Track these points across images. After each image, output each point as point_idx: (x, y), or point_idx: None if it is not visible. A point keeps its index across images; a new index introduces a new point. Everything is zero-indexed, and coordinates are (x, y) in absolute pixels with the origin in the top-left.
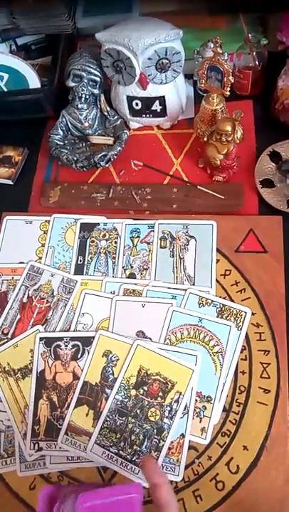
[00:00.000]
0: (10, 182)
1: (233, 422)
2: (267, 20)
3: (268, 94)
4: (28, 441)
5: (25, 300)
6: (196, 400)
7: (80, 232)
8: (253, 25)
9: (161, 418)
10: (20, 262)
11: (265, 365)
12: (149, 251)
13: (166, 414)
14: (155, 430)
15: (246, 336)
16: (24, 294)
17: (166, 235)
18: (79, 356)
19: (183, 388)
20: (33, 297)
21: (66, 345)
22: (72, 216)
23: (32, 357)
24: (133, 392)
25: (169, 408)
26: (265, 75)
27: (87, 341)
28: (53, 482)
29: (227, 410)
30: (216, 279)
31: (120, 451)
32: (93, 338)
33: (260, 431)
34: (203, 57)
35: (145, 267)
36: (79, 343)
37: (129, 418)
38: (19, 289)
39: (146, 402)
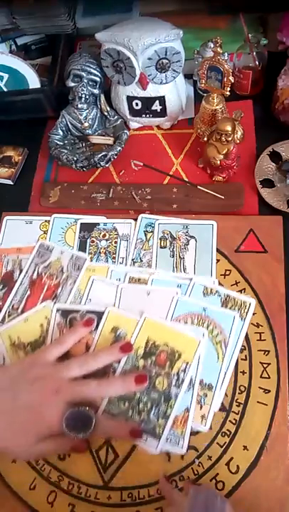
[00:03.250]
0: (10, 182)
1: (233, 422)
2: (267, 20)
3: (268, 94)
4: None
5: (35, 277)
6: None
7: (80, 232)
8: (253, 25)
9: (169, 387)
10: None
11: (265, 365)
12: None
13: (174, 382)
14: (162, 398)
15: (246, 336)
16: (34, 270)
17: (166, 235)
18: (93, 329)
19: (190, 358)
20: (43, 274)
21: (82, 318)
22: (72, 216)
23: (42, 331)
24: (141, 362)
25: (176, 377)
26: (265, 75)
27: (102, 315)
28: (53, 482)
29: (227, 410)
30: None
31: (128, 420)
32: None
33: (260, 431)
34: (203, 57)
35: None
36: (94, 317)
37: None
38: (29, 266)
39: (154, 372)
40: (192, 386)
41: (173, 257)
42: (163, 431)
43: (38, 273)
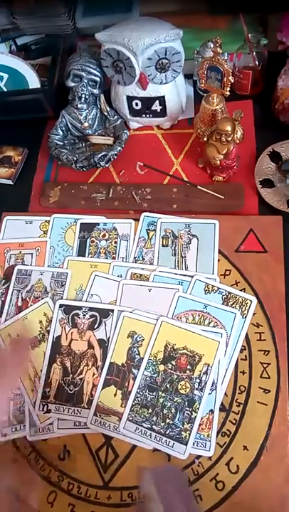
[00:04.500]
0: (10, 182)
1: (233, 422)
2: (267, 20)
3: (268, 94)
4: (38, 402)
5: (20, 304)
6: None
7: (79, 232)
8: (253, 25)
9: (192, 390)
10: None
11: (265, 365)
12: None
13: (196, 386)
14: (186, 402)
15: (246, 336)
16: (18, 297)
17: (168, 234)
18: (95, 327)
19: (210, 360)
20: (28, 298)
21: (84, 315)
22: (72, 216)
23: (41, 328)
24: (161, 367)
25: (198, 380)
26: (265, 75)
27: (105, 313)
28: (53, 482)
29: (227, 410)
30: None
31: (153, 426)
32: (111, 310)
33: (260, 431)
34: (203, 57)
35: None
36: (97, 314)
37: (160, 393)
38: (12, 295)
39: (176, 376)
40: (215, 388)
41: (175, 255)
42: (190, 436)
43: (22, 299)
